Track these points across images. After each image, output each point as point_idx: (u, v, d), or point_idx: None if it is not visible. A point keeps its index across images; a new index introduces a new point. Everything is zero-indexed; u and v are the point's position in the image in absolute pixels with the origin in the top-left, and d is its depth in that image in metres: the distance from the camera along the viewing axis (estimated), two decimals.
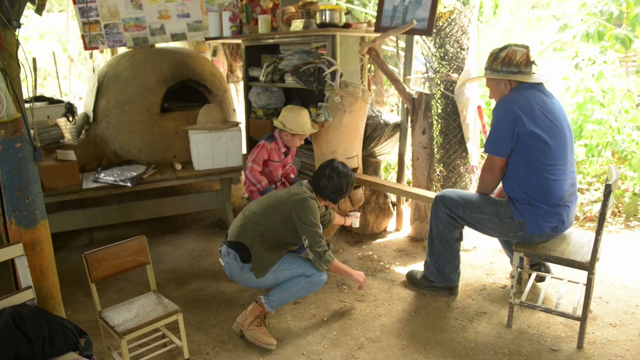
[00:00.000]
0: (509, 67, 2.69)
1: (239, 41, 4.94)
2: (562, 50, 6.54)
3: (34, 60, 4.93)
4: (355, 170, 3.83)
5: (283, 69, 4.41)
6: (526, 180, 2.67)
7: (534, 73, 2.73)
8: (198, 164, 4.24)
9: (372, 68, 4.54)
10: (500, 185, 2.90)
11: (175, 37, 4.96)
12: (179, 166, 4.34)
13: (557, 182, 2.63)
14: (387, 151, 4.23)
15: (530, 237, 2.71)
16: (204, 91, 4.83)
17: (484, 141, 2.86)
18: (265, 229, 2.82)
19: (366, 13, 5.94)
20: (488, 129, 3.76)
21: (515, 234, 2.73)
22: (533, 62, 2.72)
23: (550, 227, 2.68)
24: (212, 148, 4.21)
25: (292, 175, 3.80)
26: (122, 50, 5.48)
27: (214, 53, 5.47)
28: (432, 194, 3.29)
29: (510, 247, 3.17)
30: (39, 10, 5.36)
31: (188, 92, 4.89)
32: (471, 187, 3.85)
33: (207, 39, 4.81)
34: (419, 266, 3.62)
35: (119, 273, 2.54)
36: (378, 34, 3.60)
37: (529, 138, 2.59)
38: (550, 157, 2.61)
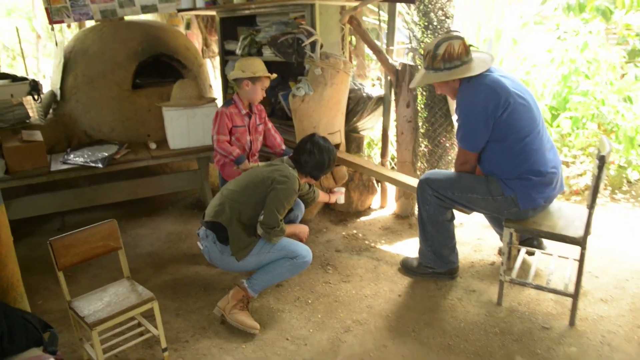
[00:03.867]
0: (451, 62, 2.57)
1: (213, 13, 4.70)
2: (542, 24, 6.44)
3: None
4: (337, 146, 3.68)
5: (260, 42, 4.21)
6: (507, 158, 2.59)
7: (474, 58, 2.62)
8: (173, 142, 4.04)
9: (354, 40, 4.36)
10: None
11: (145, 9, 4.69)
12: (153, 145, 4.14)
13: (538, 151, 2.56)
14: (370, 126, 4.09)
15: (525, 212, 2.61)
16: (178, 66, 4.60)
17: (455, 135, 2.76)
18: (243, 207, 2.67)
19: None
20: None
21: (509, 210, 2.63)
22: (470, 46, 2.63)
23: (543, 198, 2.60)
24: (187, 125, 4.01)
25: (282, 147, 3.59)
26: (90, 24, 5.19)
27: (188, 26, 5.21)
28: (415, 181, 3.17)
29: (498, 223, 3.08)
30: None
31: (161, 67, 4.65)
32: None
33: (179, 10, 4.56)
34: (405, 245, 3.52)
35: (89, 259, 2.38)
36: (359, 2, 3.41)
37: (502, 122, 2.52)
38: (525, 129, 2.53)
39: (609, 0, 5.27)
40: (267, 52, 4.12)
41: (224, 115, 3.26)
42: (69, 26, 5.71)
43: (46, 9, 4.55)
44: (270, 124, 3.54)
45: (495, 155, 2.63)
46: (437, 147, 3.68)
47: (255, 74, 3.19)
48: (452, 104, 3.52)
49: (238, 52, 4.37)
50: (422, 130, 3.73)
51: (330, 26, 3.90)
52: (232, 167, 3.31)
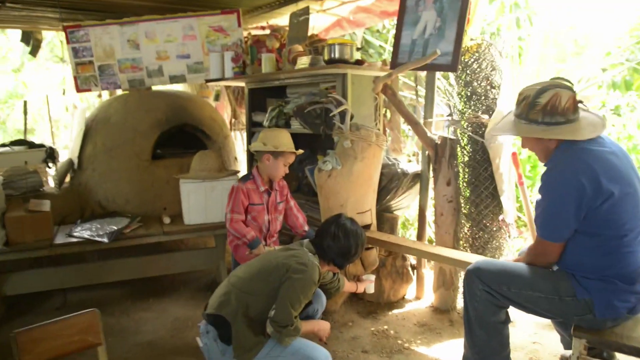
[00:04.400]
0: (552, 116, 2.04)
1: (242, 84, 4.53)
2: (584, 101, 6.04)
3: (25, 103, 4.58)
4: (368, 227, 3.26)
5: (289, 113, 3.96)
6: (593, 255, 2.05)
7: (581, 117, 2.10)
8: (189, 217, 3.72)
9: (388, 112, 4.07)
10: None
11: (174, 79, 4.59)
12: (167, 220, 3.82)
13: (633, 254, 2.03)
14: (406, 205, 3.67)
15: (602, 320, 2.06)
16: (202, 137, 4.38)
17: (534, 220, 2.18)
18: (252, 299, 2.25)
19: (382, 47, 5.54)
20: (525, 180, 3.19)
21: (580, 317, 2.09)
22: (580, 102, 2.11)
23: (627, 308, 2.05)
24: (205, 199, 3.69)
25: (305, 228, 3.21)
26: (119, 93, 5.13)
27: (217, 97, 5.08)
28: (462, 256, 2.68)
29: (565, 327, 2.51)
30: (34, 51, 5.07)
31: (185, 138, 4.45)
32: (507, 248, 3.25)
33: (207, 80, 4.41)
34: (446, 347, 2.97)
35: (62, 357, 1.97)
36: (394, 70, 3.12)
37: (599, 214, 1.99)
38: (626, 226, 2.00)
39: None
40: (295, 124, 3.85)
41: (240, 191, 2.93)
42: (99, 95, 5.70)
43: (74, 78, 4.48)
44: (292, 202, 3.19)
45: (579, 249, 2.08)
46: (483, 231, 3.21)
47: (278, 148, 2.89)
48: (500, 182, 3.08)
49: (265, 123, 4.12)
50: (464, 211, 3.29)
51: (363, 97, 3.61)
52: (246, 251, 2.92)
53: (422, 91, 3.56)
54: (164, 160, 4.16)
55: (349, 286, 2.97)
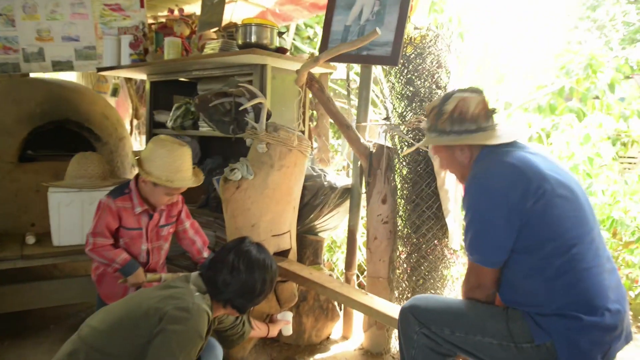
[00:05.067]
0: (462, 124, 1.75)
1: (143, 76, 3.79)
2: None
3: None
4: (286, 253, 2.63)
5: (196, 112, 3.28)
6: (541, 280, 1.60)
7: (496, 125, 1.79)
8: (59, 237, 2.92)
9: (315, 115, 3.50)
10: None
11: (58, 65, 3.75)
12: (31, 239, 2.99)
13: (591, 272, 1.57)
14: (333, 225, 3.06)
15: None
16: (90, 137, 3.57)
17: (463, 244, 1.78)
18: None
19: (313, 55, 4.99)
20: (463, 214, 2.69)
21: None
22: (493, 111, 1.80)
23: (601, 352, 1.56)
24: (81, 214, 2.91)
25: (204, 254, 2.53)
26: None
27: (115, 92, 4.27)
28: (394, 309, 2.12)
29: None
30: None
31: (68, 138, 3.62)
32: (451, 280, 2.73)
33: (99, 69, 3.63)
34: None
35: None
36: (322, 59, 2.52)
37: (533, 219, 1.59)
38: (569, 234, 1.58)
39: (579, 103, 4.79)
40: (206, 126, 3.18)
41: (107, 210, 2.21)
42: None
43: None
44: (188, 222, 2.50)
45: (523, 275, 1.63)
46: (424, 258, 2.66)
47: (149, 176, 2.18)
48: (445, 201, 2.56)
49: (169, 124, 3.42)
50: (402, 235, 2.74)
51: (286, 97, 3.01)
52: (116, 282, 2.20)
53: (355, 101, 3.02)
54: (35, 163, 3.32)
55: (258, 330, 2.31)
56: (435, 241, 2.62)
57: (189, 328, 1.58)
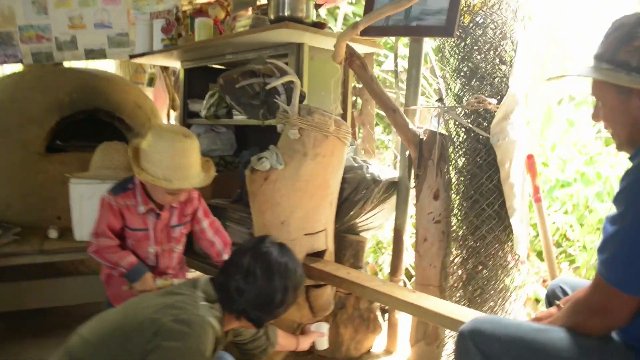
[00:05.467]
0: None
1: (177, 64, 3.57)
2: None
3: None
4: (321, 254, 2.30)
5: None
6: None
7: None
8: (81, 231, 2.72)
9: (359, 102, 3.15)
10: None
11: (90, 53, 3.61)
12: (53, 233, 2.82)
13: None
14: (377, 225, 2.71)
15: None
16: (121, 127, 3.39)
17: (598, 250, 1.24)
18: None
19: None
20: (543, 193, 2.27)
21: None
22: None
23: None
24: None
25: (224, 257, 2.25)
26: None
27: (150, 82, 4.10)
28: (453, 311, 1.73)
29: None
30: None
31: (99, 128, 3.45)
32: (516, 293, 2.31)
33: (131, 56, 3.44)
34: None
35: None
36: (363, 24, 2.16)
37: None
38: None
39: None
40: (239, 115, 2.92)
41: (109, 207, 1.96)
42: None
43: None
44: (207, 221, 2.23)
45: None
46: (483, 265, 2.26)
47: (143, 174, 1.90)
48: (510, 197, 2.15)
49: (202, 112, 3.18)
50: (458, 236, 2.35)
51: (326, 80, 2.67)
52: (122, 286, 1.95)
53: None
54: (63, 154, 3.16)
55: (286, 343, 2.00)
56: (497, 245, 2.21)
57: (189, 345, 1.29)
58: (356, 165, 2.49)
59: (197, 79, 3.49)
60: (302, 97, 2.23)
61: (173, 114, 4.20)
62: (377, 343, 2.69)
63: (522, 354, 1.28)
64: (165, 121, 4.06)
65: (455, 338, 1.42)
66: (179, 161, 1.90)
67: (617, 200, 1.19)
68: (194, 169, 1.98)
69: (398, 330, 2.66)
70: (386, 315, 2.65)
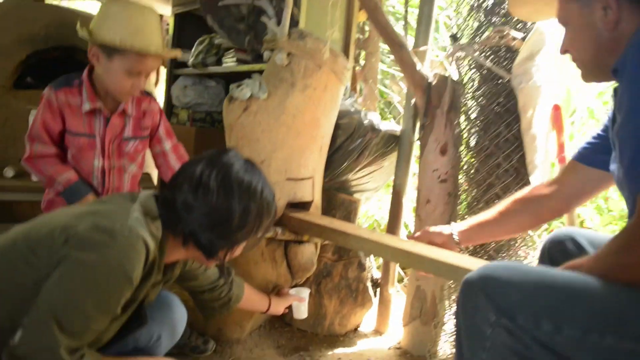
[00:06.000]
0: None
1: (167, 9, 3.28)
2: None
3: None
4: (307, 205, 1.97)
5: (221, 44, 2.72)
6: None
7: None
8: None
9: (362, 56, 2.82)
10: None
11: None
12: (9, 172, 2.53)
13: None
14: (373, 187, 2.38)
15: None
16: None
17: (627, 168, 0.96)
18: None
19: None
20: (568, 151, 1.93)
21: None
22: None
23: None
24: None
25: None
26: None
27: None
28: (463, 261, 1.39)
29: None
30: None
31: (77, 70, 3.14)
32: (533, 263, 1.97)
33: None
34: None
35: None
36: None
37: None
38: None
39: None
40: (230, 59, 2.61)
41: (46, 105, 1.66)
42: None
43: None
44: (170, 142, 1.91)
45: None
46: None
47: (98, 39, 1.58)
48: (531, 151, 1.83)
49: (190, 60, 2.89)
50: (466, 198, 2.03)
51: (326, 9, 2.36)
52: (59, 207, 1.64)
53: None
54: (32, 91, 2.86)
55: (255, 300, 1.68)
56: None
57: (108, 259, 0.97)
58: (352, 110, 2.16)
59: (189, 29, 3.19)
60: (295, 21, 1.91)
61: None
62: (366, 322, 2.35)
63: (551, 303, 0.95)
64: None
65: (459, 289, 1.09)
66: (138, 24, 1.59)
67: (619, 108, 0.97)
68: (156, 37, 1.64)
69: (390, 308, 2.32)
70: (378, 289, 2.32)
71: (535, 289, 0.98)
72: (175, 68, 3.18)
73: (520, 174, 1.88)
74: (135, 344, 1.26)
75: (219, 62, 2.81)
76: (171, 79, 3.22)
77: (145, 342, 1.27)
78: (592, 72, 1.12)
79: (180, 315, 1.38)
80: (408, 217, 2.50)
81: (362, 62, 2.82)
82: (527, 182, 1.85)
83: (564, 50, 1.15)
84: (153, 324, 1.27)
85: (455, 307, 1.11)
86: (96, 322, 0.97)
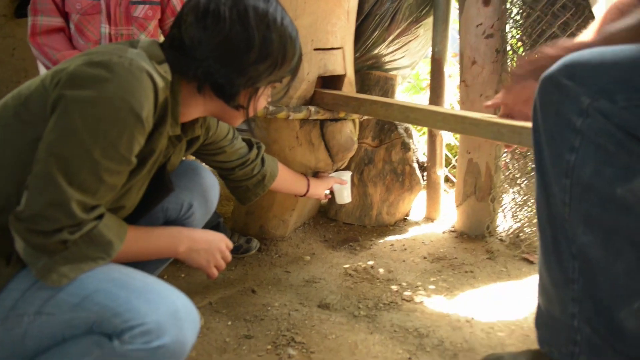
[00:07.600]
0: None
1: None
2: None
3: None
4: (340, 80, 1.77)
5: None
6: None
7: None
8: None
9: None
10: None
11: None
12: None
13: None
14: (408, 63, 2.14)
15: None
16: None
17: None
18: None
19: None
20: None
21: None
22: None
23: None
24: None
25: None
26: None
27: None
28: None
29: None
30: None
31: None
32: None
33: None
34: (478, 296, 1.54)
35: None
36: None
37: None
38: None
39: None
40: None
41: None
42: None
43: None
44: None
45: None
46: None
47: None
48: None
49: None
50: (514, 52, 1.78)
51: None
52: None
53: None
54: None
55: (291, 181, 1.52)
56: None
57: (107, 94, 0.80)
58: None
59: None
60: None
61: None
62: (415, 209, 2.19)
63: None
64: None
65: (538, 88, 0.88)
66: None
67: None
68: None
69: (440, 191, 2.15)
70: (426, 173, 2.13)
71: (633, 62, 0.79)
72: None
73: (580, 8, 1.61)
74: (165, 216, 1.13)
75: None
76: None
77: (176, 213, 1.14)
78: None
79: (211, 181, 1.23)
80: (450, 94, 2.26)
81: None
82: (591, 16, 1.59)
83: None
84: (181, 192, 1.13)
85: (533, 114, 0.91)
86: (109, 174, 0.83)
